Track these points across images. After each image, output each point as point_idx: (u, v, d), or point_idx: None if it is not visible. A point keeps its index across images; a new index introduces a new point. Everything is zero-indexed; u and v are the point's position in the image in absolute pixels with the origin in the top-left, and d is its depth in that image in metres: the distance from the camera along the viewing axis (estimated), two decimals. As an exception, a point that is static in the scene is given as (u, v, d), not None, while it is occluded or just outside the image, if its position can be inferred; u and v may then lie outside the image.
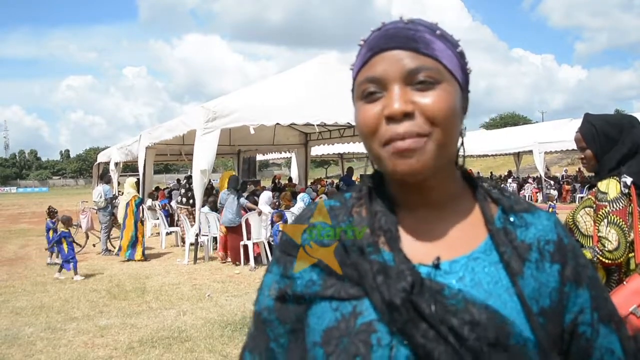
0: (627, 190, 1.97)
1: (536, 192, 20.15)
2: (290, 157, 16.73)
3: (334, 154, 20.26)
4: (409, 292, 0.65)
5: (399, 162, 0.67)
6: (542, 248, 0.72)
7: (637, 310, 1.65)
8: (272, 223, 8.34)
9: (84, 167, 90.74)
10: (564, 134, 16.95)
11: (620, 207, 1.96)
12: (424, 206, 0.74)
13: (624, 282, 1.82)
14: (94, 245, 10.50)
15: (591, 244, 2.01)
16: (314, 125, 9.12)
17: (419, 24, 0.72)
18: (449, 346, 0.62)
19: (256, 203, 9.18)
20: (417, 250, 0.71)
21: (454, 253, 0.71)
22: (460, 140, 0.75)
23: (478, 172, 21.82)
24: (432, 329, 0.63)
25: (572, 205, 13.47)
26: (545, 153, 19.18)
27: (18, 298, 6.58)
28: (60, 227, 7.92)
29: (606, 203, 1.98)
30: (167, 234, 10.97)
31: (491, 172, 30.06)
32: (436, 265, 0.69)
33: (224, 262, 8.59)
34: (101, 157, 16.63)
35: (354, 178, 13.11)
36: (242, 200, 8.46)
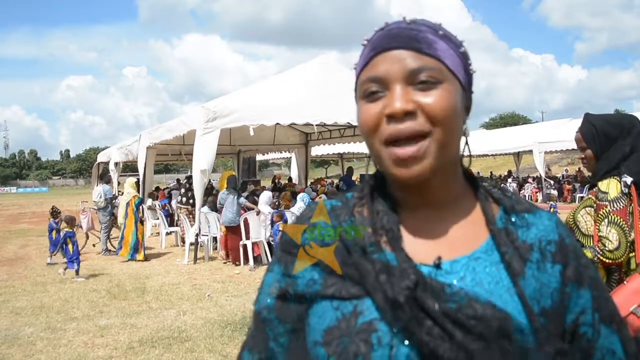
0: (627, 190, 1.97)
1: (536, 192, 20.17)
2: (290, 157, 16.73)
3: (334, 154, 20.28)
4: (413, 290, 0.65)
5: (399, 170, 0.68)
6: (544, 248, 0.72)
7: (638, 310, 1.64)
8: (272, 223, 8.34)
9: (84, 167, 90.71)
10: (563, 133, 16.97)
11: (621, 207, 1.96)
12: (426, 206, 0.74)
13: (625, 282, 1.82)
14: (94, 245, 10.50)
15: (592, 244, 2.02)
16: (313, 125, 9.12)
17: (422, 24, 0.73)
18: (454, 343, 0.62)
19: (256, 203, 9.18)
20: (418, 249, 0.71)
21: (455, 253, 0.71)
22: (464, 140, 0.75)
23: (478, 172, 21.80)
24: (436, 326, 0.63)
25: (573, 205, 13.48)
26: (545, 153, 19.19)
27: (18, 298, 6.57)
28: (64, 227, 7.92)
29: (607, 203, 1.98)
30: (167, 234, 10.98)
31: (491, 172, 30.07)
32: (437, 265, 0.69)
33: (226, 262, 8.59)
34: (101, 157, 16.62)
35: (353, 178, 13.11)
36: (241, 199, 8.47)
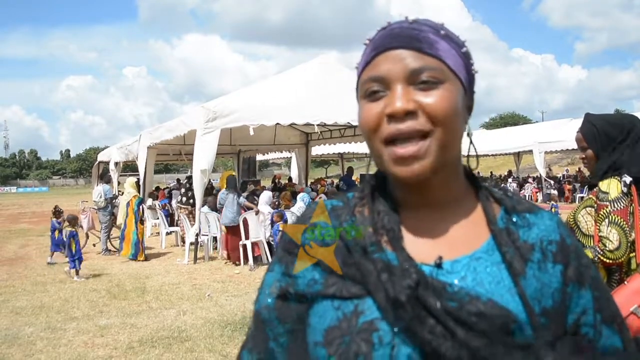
0: (628, 190, 1.97)
1: (536, 192, 20.17)
2: (290, 157, 16.73)
3: (334, 153, 20.29)
4: (414, 289, 0.65)
5: (399, 169, 0.68)
6: (545, 248, 0.72)
7: (638, 310, 1.64)
8: (272, 223, 8.34)
9: (84, 167, 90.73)
10: (563, 133, 16.97)
11: (622, 207, 1.95)
12: (427, 206, 0.74)
13: (625, 282, 1.82)
14: (94, 245, 10.50)
15: (592, 244, 2.01)
16: (314, 125, 9.12)
17: (424, 24, 0.73)
18: (456, 341, 0.62)
19: (256, 203, 9.18)
20: (419, 249, 0.71)
21: (456, 253, 0.71)
22: (468, 140, 0.76)
23: (478, 172, 21.69)
24: (438, 324, 0.63)
25: (575, 205, 13.48)
26: (545, 153, 19.18)
27: (18, 298, 6.57)
28: (67, 227, 7.93)
29: (607, 203, 1.97)
30: (167, 233, 10.97)
31: (491, 172, 30.09)
32: (438, 265, 0.69)
33: (227, 262, 8.59)
34: (101, 157, 16.62)
35: (353, 178, 13.11)
36: (241, 199, 8.47)
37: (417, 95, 0.68)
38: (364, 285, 0.68)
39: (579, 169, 22.67)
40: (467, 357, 0.62)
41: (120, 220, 9.62)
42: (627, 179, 1.96)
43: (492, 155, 22.91)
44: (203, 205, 8.87)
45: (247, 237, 8.15)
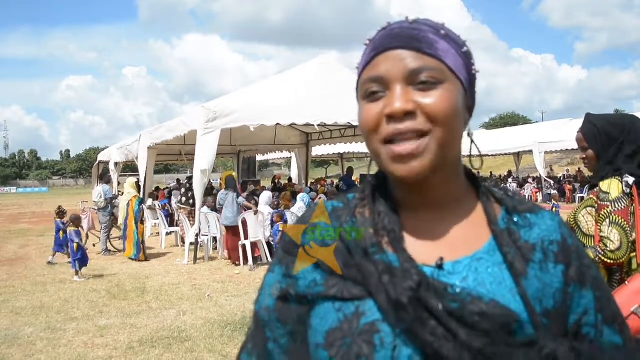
0: (629, 190, 1.96)
1: (536, 192, 20.18)
2: (291, 157, 16.73)
3: (334, 154, 20.30)
4: (416, 291, 0.64)
5: (398, 167, 0.68)
6: (546, 248, 0.71)
7: (639, 310, 1.64)
8: (272, 223, 8.34)
9: (84, 167, 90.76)
10: (563, 134, 16.99)
11: (623, 207, 1.95)
12: (427, 206, 0.74)
13: (626, 282, 1.82)
14: (94, 245, 10.50)
15: (592, 244, 2.01)
16: (314, 125, 9.12)
17: (424, 24, 0.72)
18: (457, 343, 0.62)
19: (256, 203, 9.18)
20: (420, 250, 0.71)
21: (457, 254, 0.70)
22: (469, 140, 0.76)
23: (478, 172, 21.72)
24: (440, 326, 0.63)
25: (574, 205, 13.48)
26: (545, 153, 19.19)
27: (18, 298, 6.57)
28: (71, 227, 7.93)
29: (608, 203, 1.97)
30: (167, 234, 10.97)
31: (491, 172, 30.10)
32: (439, 266, 0.69)
33: (228, 263, 8.59)
34: (101, 157, 16.63)
35: (354, 178, 13.11)
36: (240, 199, 8.47)
37: (416, 95, 0.68)
38: (365, 286, 0.68)
39: (579, 169, 22.68)
40: (469, 359, 0.62)
41: (120, 220, 9.62)
42: (629, 179, 1.96)
43: (492, 155, 22.90)
44: (203, 206, 8.87)
45: (246, 237, 8.15)
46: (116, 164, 14.33)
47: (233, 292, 6.57)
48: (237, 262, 8.30)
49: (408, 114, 0.67)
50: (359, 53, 0.76)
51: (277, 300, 0.75)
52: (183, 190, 10.58)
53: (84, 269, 7.77)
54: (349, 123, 9.57)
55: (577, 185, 19.22)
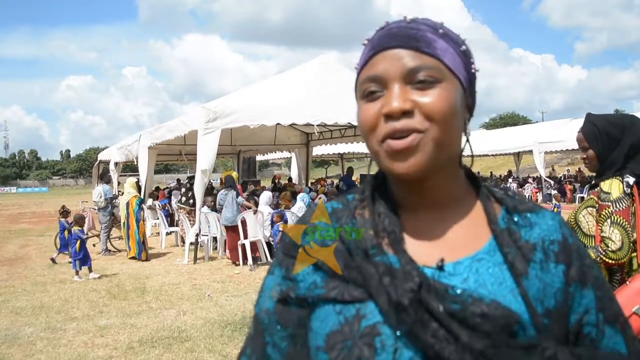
0: (629, 190, 1.96)
1: (536, 192, 20.17)
2: (291, 157, 16.73)
3: (334, 154, 20.29)
4: (417, 293, 0.64)
5: (395, 164, 0.68)
6: (547, 248, 0.71)
7: (640, 310, 1.64)
8: (272, 223, 8.34)
9: (84, 167, 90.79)
10: (564, 134, 16.98)
11: (623, 207, 1.95)
12: (427, 207, 0.74)
13: (627, 282, 1.82)
14: (94, 245, 10.49)
15: (593, 244, 2.01)
16: (314, 125, 9.12)
17: (422, 23, 0.72)
18: (459, 345, 0.62)
19: (256, 203, 9.17)
20: (420, 251, 0.70)
21: (457, 254, 0.70)
22: (465, 139, 0.75)
23: (478, 172, 21.77)
24: (442, 328, 0.63)
25: (574, 205, 13.48)
26: (546, 153, 19.18)
27: (18, 298, 6.57)
28: (75, 227, 7.93)
29: (609, 203, 1.97)
30: (167, 234, 10.97)
31: (491, 172, 30.13)
32: (440, 267, 0.68)
33: (228, 263, 8.58)
34: (101, 157, 16.62)
35: (353, 178, 13.11)
36: (239, 198, 8.47)
37: (413, 94, 0.67)
38: (365, 288, 0.68)
39: (579, 169, 22.68)
40: None
41: (122, 220, 9.61)
42: (630, 179, 1.96)
43: (492, 155, 22.91)
44: (203, 205, 8.87)
45: (245, 237, 8.15)
46: (116, 164, 14.32)
47: (233, 292, 6.57)
48: (237, 262, 8.30)
49: (405, 113, 0.66)
50: (359, 53, 0.76)
51: (277, 302, 0.75)
52: (183, 190, 10.57)
53: (84, 269, 7.76)
54: (349, 123, 9.57)
55: (577, 185, 19.22)
